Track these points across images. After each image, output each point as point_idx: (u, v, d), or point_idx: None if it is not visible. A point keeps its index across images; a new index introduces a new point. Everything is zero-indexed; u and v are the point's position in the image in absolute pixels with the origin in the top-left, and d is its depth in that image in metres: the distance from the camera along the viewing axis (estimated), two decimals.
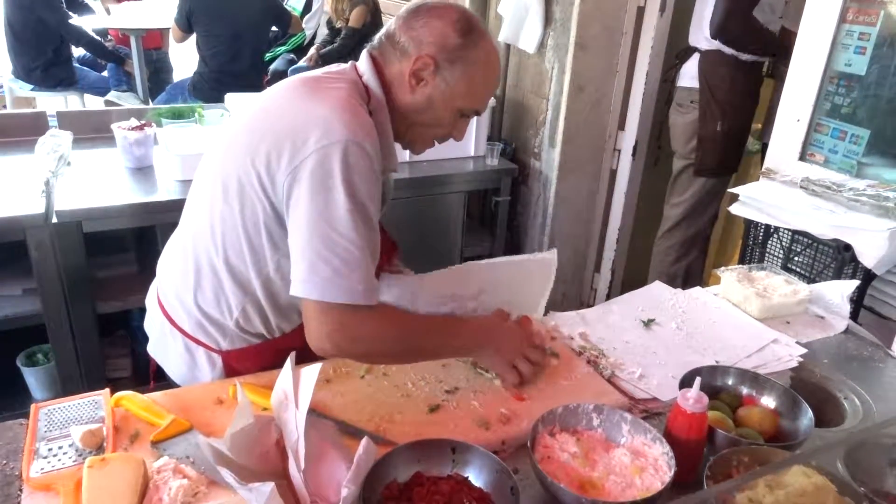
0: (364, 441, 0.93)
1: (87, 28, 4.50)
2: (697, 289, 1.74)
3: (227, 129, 1.27)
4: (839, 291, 1.66)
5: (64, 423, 1.05)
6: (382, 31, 1.24)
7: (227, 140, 1.23)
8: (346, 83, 1.18)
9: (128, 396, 1.10)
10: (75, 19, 4.49)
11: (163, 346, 1.36)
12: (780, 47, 2.53)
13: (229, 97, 2.83)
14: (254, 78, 4.02)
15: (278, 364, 1.07)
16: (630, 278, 3.12)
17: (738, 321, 1.57)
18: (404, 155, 2.60)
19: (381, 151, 1.15)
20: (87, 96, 4.74)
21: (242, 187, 1.15)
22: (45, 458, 0.98)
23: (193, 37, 3.87)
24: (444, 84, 1.18)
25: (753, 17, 2.46)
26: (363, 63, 1.22)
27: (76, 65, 4.69)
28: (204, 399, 1.16)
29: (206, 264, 1.23)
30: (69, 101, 4.69)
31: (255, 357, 1.29)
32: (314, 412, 1.13)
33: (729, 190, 2.06)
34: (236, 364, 1.29)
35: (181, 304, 1.28)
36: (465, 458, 0.99)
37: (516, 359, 1.23)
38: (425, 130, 1.26)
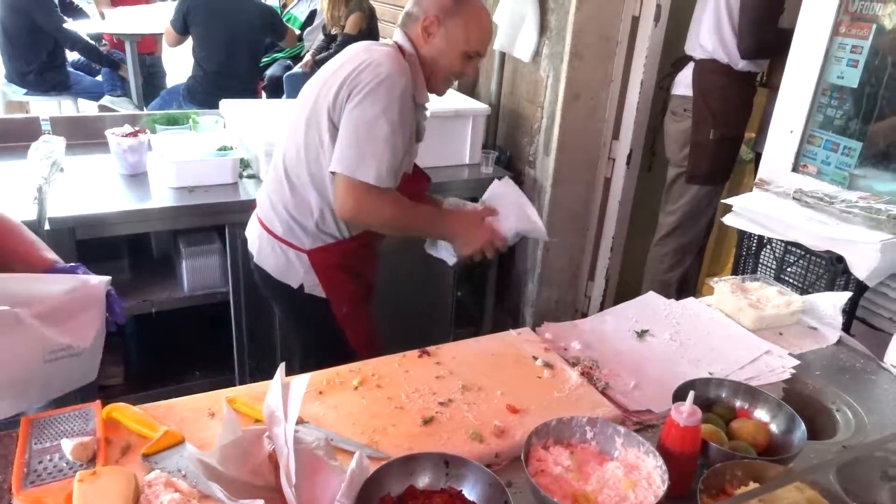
0: (357, 455, 0.93)
1: (81, 32, 4.48)
2: (691, 300, 1.75)
3: (304, 89, 1.73)
4: (832, 303, 1.66)
5: (54, 435, 1.04)
6: (403, 12, 1.69)
7: (306, 91, 1.70)
8: (389, 46, 1.65)
9: (119, 408, 1.10)
10: (70, 23, 4.47)
11: (264, 255, 1.77)
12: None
13: (224, 103, 2.82)
14: (249, 83, 4.02)
15: (349, 262, 1.73)
16: (624, 286, 3.12)
17: (732, 332, 1.58)
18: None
19: (414, 89, 1.62)
20: (80, 101, 4.73)
21: (318, 118, 1.61)
22: (36, 471, 0.97)
23: (189, 42, 3.86)
24: (447, 34, 1.62)
25: (777, 27, 2.47)
26: (396, 34, 1.69)
27: (70, 69, 4.67)
28: (196, 411, 1.16)
29: (294, 177, 1.68)
30: (63, 106, 4.67)
31: (332, 254, 1.71)
32: (307, 425, 1.13)
33: (723, 201, 2.07)
34: (318, 260, 1.71)
35: (275, 212, 1.72)
36: (459, 471, 0.99)
37: (484, 248, 1.72)
38: (443, 73, 1.68)
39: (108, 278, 1.24)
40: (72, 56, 4.76)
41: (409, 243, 2.70)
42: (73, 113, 4.55)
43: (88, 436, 1.03)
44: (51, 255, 1.30)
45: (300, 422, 1.10)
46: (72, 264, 1.29)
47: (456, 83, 1.78)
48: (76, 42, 4.44)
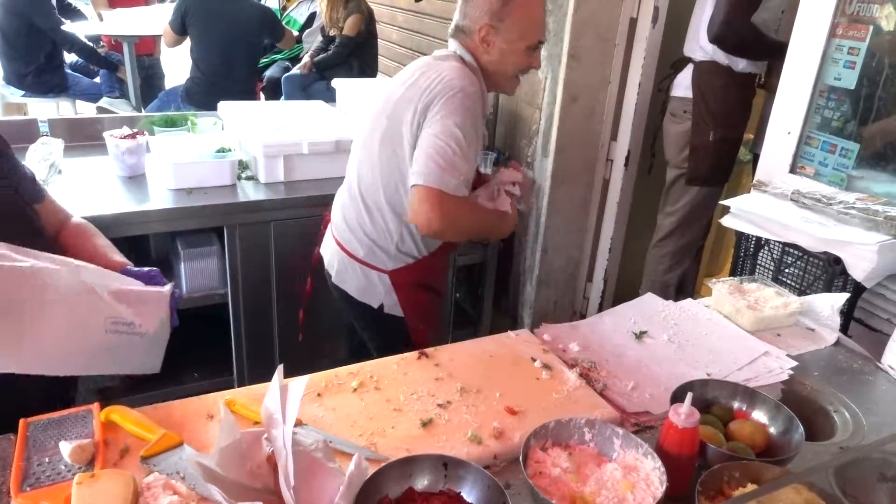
0: (356, 457, 0.93)
1: (79, 34, 4.48)
2: (689, 301, 1.75)
3: (371, 105, 1.75)
4: (829, 304, 1.67)
5: (53, 437, 1.04)
6: (451, 28, 1.69)
7: (374, 109, 1.73)
8: (451, 59, 1.66)
9: (118, 410, 1.10)
10: (68, 25, 4.47)
11: (343, 276, 1.81)
12: (780, 51, 2.54)
13: (223, 105, 2.82)
14: (248, 84, 4.02)
15: (426, 279, 1.77)
16: (623, 287, 3.12)
17: (730, 333, 1.58)
18: None
19: (480, 96, 1.63)
20: (78, 102, 4.72)
21: (393, 137, 1.63)
22: (34, 473, 0.97)
23: (187, 43, 3.87)
24: (505, 37, 1.61)
25: (752, 23, 2.48)
26: (453, 46, 1.70)
27: (68, 71, 4.67)
28: (195, 413, 1.16)
29: (371, 202, 1.71)
30: (61, 108, 4.67)
31: (411, 273, 1.75)
32: (305, 427, 1.13)
33: (721, 202, 2.07)
34: (399, 280, 1.74)
35: (354, 236, 1.75)
36: (458, 473, 0.99)
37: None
38: (509, 73, 1.68)
39: (171, 284, 1.37)
40: (70, 58, 4.76)
41: None
42: (72, 115, 4.54)
43: (87, 438, 1.03)
44: (121, 258, 1.45)
45: (299, 424, 1.10)
46: (144, 268, 1.41)
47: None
48: (74, 44, 4.44)
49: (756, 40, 2.50)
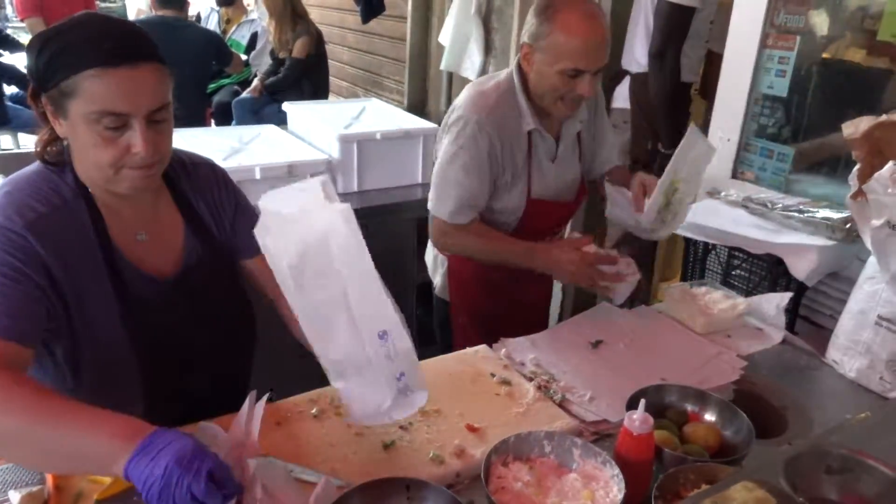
0: (323, 480, 0.93)
1: (18, 65, 4.37)
2: (643, 307, 1.79)
3: None
4: (775, 303, 1.72)
5: (1, 486, 1.01)
6: None
7: None
8: (496, 79, 1.69)
9: None
10: (6, 57, 4.36)
11: (428, 253, 1.99)
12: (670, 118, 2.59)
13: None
14: (197, 110, 3.98)
15: (488, 277, 1.80)
16: (581, 296, 3.17)
17: (683, 338, 1.62)
18: (353, 186, 2.58)
19: (520, 118, 1.65)
20: (20, 135, 4.59)
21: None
22: None
23: None
24: (543, 58, 1.57)
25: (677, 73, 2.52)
26: (513, 63, 1.70)
27: (8, 103, 4.54)
28: None
29: None
30: (2, 141, 4.54)
31: (468, 264, 1.80)
32: (269, 459, 1.11)
33: None
34: (456, 266, 1.85)
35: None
36: (421, 494, 1.00)
37: (583, 282, 1.62)
38: (550, 96, 1.62)
39: None
40: (10, 90, 4.63)
41: (372, 259, 2.71)
42: (14, 149, 4.42)
43: (38, 485, 1.00)
44: None
45: (262, 455, 1.09)
46: None
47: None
48: (13, 75, 4.33)
49: (670, 88, 2.54)
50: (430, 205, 1.73)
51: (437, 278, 1.95)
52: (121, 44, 1.02)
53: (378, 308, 0.97)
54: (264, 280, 1.29)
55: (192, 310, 1.23)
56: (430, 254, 1.97)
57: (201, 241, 1.25)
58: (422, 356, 2.04)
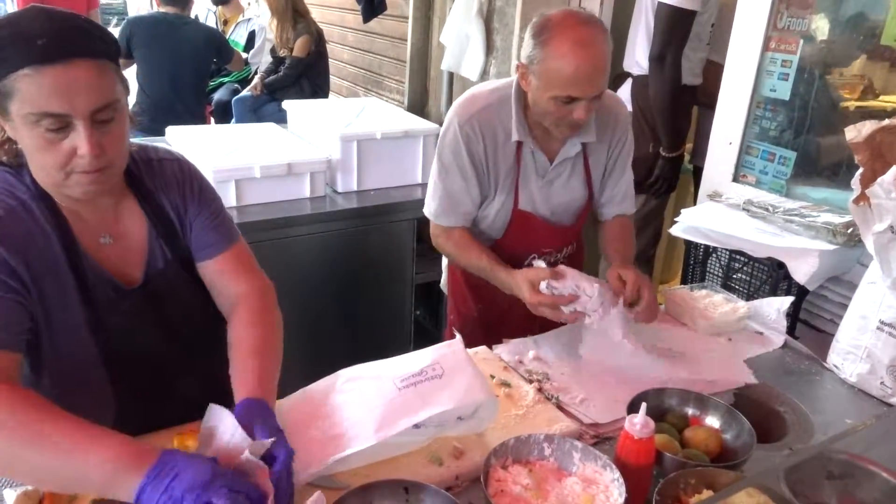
0: (316, 496, 0.92)
1: None
2: None
3: None
4: (776, 307, 1.72)
5: None
6: None
7: None
8: (494, 84, 1.68)
9: None
10: None
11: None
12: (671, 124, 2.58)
13: (171, 130, 2.78)
14: (196, 108, 3.96)
15: (478, 283, 1.71)
16: None
17: (689, 343, 1.60)
18: (352, 185, 2.57)
19: (510, 124, 1.60)
20: None
21: None
22: None
23: (133, 68, 3.79)
24: (535, 81, 1.50)
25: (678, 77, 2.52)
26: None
27: None
28: None
29: None
30: None
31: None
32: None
33: (683, 210, 2.11)
34: (454, 269, 1.86)
35: None
36: (419, 497, 0.99)
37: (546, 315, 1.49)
38: (549, 120, 1.55)
39: None
40: None
41: (371, 259, 2.71)
42: None
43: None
44: None
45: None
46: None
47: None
48: None
49: (671, 91, 2.54)
50: (425, 207, 1.77)
51: (441, 271, 2.01)
52: (55, 40, 0.94)
53: None
54: (220, 287, 1.24)
55: (160, 313, 1.19)
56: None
57: (167, 242, 1.20)
58: None
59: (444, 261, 1.96)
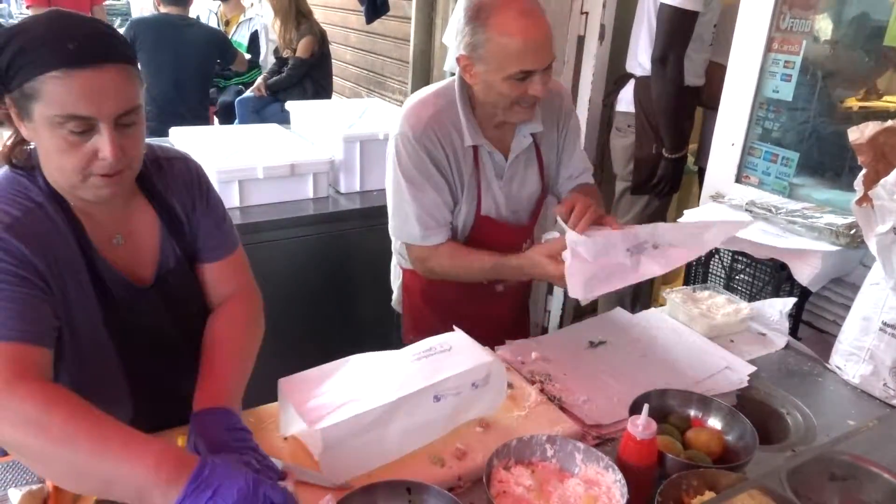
0: (327, 498, 0.92)
1: None
2: (653, 310, 1.78)
3: None
4: (778, 309, 1.72)
5: (2, 484, 1.01)
6: None
7: None
8: (442, 86, 1.60)
9: None
10: None
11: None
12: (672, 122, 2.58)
13: (175, 130, 2.78)
14: (200, 109, 3.97)
15: (435, 293, 1.72)
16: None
17: (690, 344, 1.60)
18: (355, 185, 2.58)
19: (464, 129, 1.54)
20: None
21: None
22: None
23: None
24: (483, 68, 1.45)
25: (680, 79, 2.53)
26: (458, 73, 1.54)
27: None
28: None
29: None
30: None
31: (419, 280, 1.73)
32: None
33: (686, 211, 2.11)
34: (408, 281, 1.79)
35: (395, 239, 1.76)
36: (422, 497, 0.99)
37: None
38: (500, 104, 1.50)
39: None
40: None
41: (373, 259, 2.71)
42: None
43: (38, 483, 1.00)
44: None
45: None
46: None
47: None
48: None
49: (673, 92, 2.54)
50: (394, 233, 1.67)
51: (394, 290, 1.88)
52: (85, 44, 0.96)
53: None
54: (214, 288, 1.26)
55: (173, 311, 1.21)
56: (392, 261, 1.89)
57: (178, 241, 1.21)
58: None
59: (398, 279, 1.85)
